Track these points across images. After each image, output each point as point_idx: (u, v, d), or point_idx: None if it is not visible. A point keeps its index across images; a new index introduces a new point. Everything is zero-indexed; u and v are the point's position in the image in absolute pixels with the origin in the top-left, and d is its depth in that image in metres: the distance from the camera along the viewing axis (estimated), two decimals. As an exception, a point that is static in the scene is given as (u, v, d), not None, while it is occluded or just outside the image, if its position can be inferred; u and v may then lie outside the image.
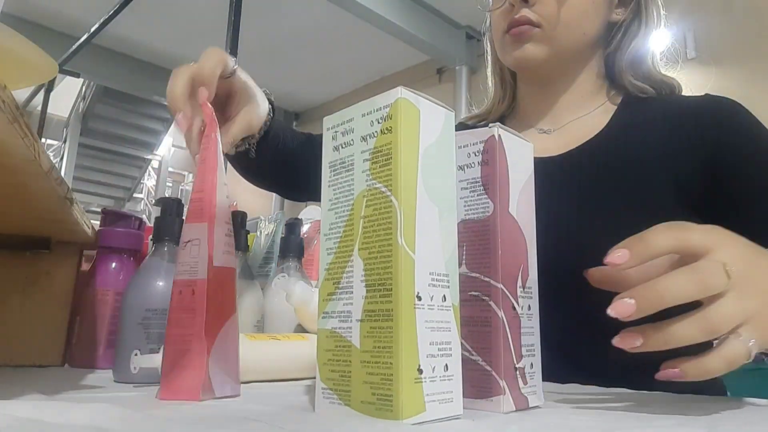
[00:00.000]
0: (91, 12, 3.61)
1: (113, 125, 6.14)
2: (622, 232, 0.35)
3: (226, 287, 0.41)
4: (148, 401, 0.37)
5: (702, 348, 0.33)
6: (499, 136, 0.37)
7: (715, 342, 0.34)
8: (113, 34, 3.49)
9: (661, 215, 0.39)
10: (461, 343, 0.33)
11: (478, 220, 0.37)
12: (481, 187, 0.37)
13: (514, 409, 0.34)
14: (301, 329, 0.62)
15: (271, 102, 0.64)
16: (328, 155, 0.35)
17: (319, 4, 3.56)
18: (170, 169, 7.39)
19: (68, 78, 4.43)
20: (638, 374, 0.49)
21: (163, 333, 0.47)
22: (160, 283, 0.49)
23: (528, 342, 0.37)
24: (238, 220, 0.64)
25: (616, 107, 0.69)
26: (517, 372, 0.35)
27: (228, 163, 0.64)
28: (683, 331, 0.32)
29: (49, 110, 4.12)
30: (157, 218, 0.52)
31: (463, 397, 0.32)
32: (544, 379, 0.40)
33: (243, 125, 0.57)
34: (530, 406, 0.36)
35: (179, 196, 6.60)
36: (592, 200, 0.62)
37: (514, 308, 0.36)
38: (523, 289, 0.37)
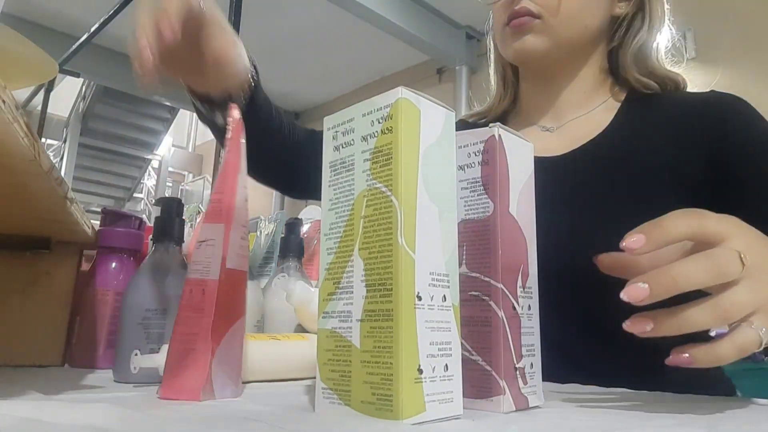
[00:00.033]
0: (91, 12, 3.61)
1: (113, 125, 6.14)
2: (624, 233, 0.35)
3: (237, 289, 0.41)
4: (148, 401, 0.37)
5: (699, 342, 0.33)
6: (499, 136, 0.37)
7: (714, 337, 0.34)
8: (113, 34, 3.48)
9: None
10: (461, 343, 0.33)
11: (478, 220, 0.37)
12: (481, 187, 0.37)
13: (514, 409, 0.34)
14: (301, 329, 0.62)
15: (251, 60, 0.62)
16: (328, 155, 0.35)
17: (319, 4, 3.56)
18: (170, 169, 7.39)
19: (68, 78, 4.43)
20: (638, 374, 0.50)
21: (163, 333, 0.47)
22: (160, 283, 0.49)
23: (528, 342, 0.37)
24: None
25: (619, 104, 0.68)
26: (517, 372, 0.35)
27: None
28: (696, 317, 0.32)
29: (49, 110, 4.12)
30: (157, 218, 0.52)
31: (463, 397, 0.32)
32: (544, 379, 0.40)
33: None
34: (530, 406, 0.36)
35: (179, 196, 6.60)
36: (594, 201, 0.62)
37: (514, 308, 0.36)
38: (523, 289, 0.37)
